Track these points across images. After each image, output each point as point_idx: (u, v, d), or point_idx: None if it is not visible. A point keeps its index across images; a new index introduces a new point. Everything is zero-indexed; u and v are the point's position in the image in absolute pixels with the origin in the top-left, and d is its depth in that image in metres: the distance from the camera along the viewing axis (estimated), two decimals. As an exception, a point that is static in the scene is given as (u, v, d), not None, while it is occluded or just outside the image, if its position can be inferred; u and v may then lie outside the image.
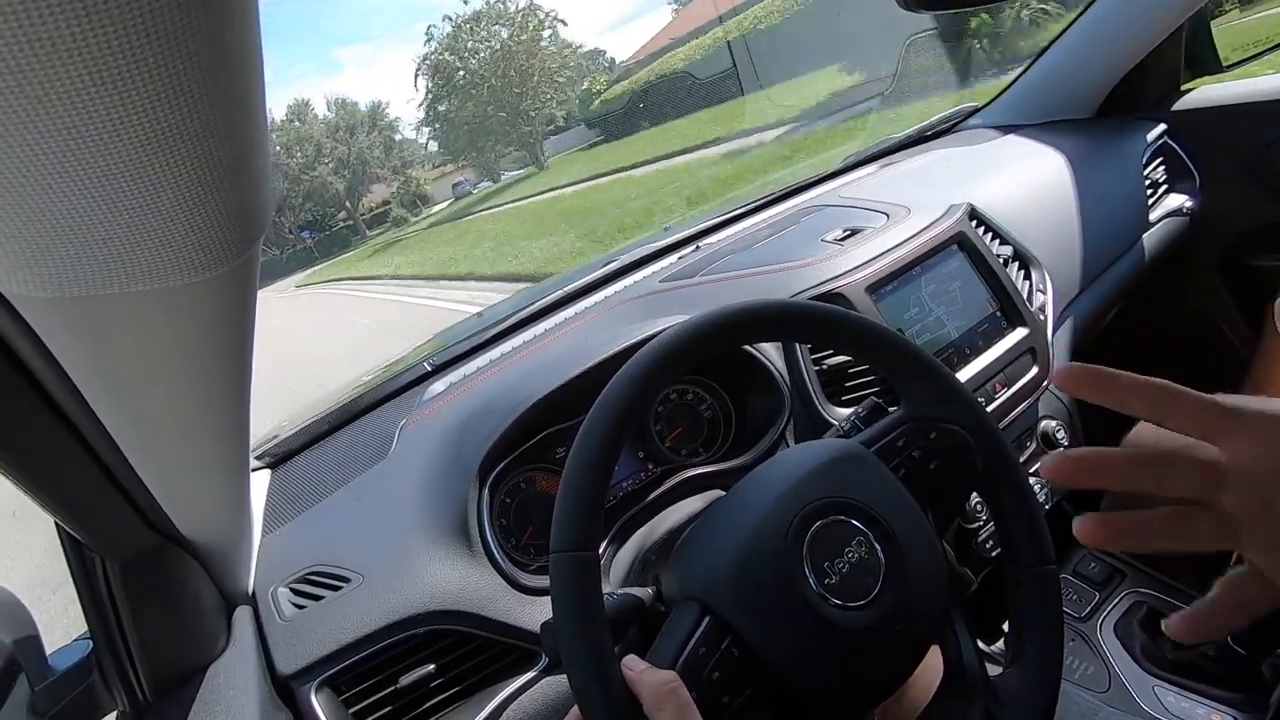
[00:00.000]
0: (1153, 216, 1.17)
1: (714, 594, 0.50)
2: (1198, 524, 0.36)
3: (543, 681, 0.65)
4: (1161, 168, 1.23)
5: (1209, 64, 1.28)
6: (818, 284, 0.88)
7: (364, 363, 1.07)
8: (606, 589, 0.67)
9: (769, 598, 0.49)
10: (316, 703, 0.60)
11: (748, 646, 0.49)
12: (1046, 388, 0.96)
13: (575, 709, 0.47)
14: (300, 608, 0.66)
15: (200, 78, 0.17)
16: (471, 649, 0.66)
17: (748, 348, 0.84)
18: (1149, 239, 1.15)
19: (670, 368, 0.52)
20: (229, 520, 0.60)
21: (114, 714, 0.58)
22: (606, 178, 14.19)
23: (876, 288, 0.89)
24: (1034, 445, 0.96)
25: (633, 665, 0.46)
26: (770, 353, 0.85)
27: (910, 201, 1.04)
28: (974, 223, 1.00)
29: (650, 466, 0.84)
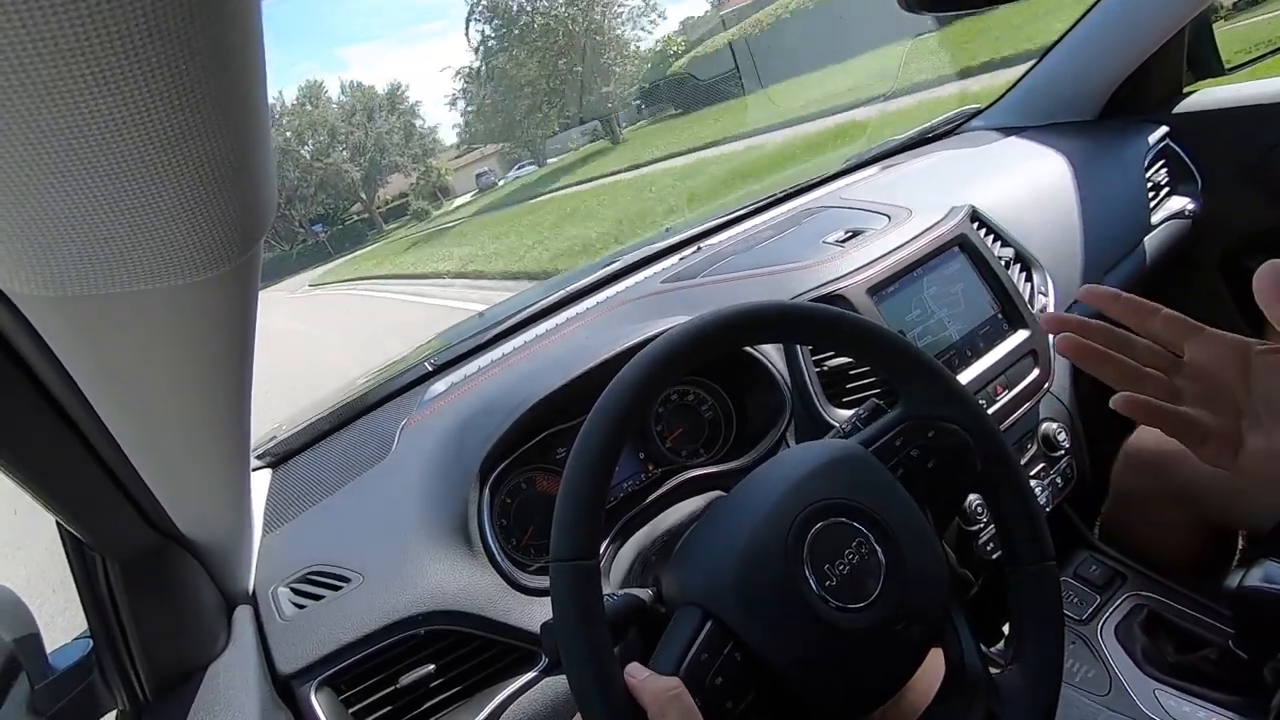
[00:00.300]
0: (1155, 219, 1.17)
1: (715, 599, 0.50)
2: (1150, 380, 0.45)
3: (543, 682, 0.65)
4: (1164, 170, 1.23)
5: (1211, 67, 1.28)
6: (819, 285, 0.88)
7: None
8: (607, 589, 0.67)
9: (770, 601, 0.49)
10: (316, 702, 0.60)
11: (750, 650, 0.49)
12: (1048, 390, 0.96)
13: (579, 716, 0.47)
14: (300, 607, 0.66)
15: (202, 77, 0.17)
16: (471, 649, 0.65)
17: (749, 349, 0.84)
18: (1151, 241, 1.15)
19: (671, 369, 0.52)
20: (230, 520, 0.60)
21: (114, 713, 0.58)
22: (709, 150, 11.21)
23: (878, 289, 0.89)
24: (1035, 447, 0.96)
25: (635, 673, 0.46)
26: (771, 354, 0.85)
27: (912, 203, 1.04)
28: (976, 224, 1.00)
29: (651, 467, 0.84)
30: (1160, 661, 0.83)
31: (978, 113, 1.48)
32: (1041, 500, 0.94)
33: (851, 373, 0.87)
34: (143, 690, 0.56)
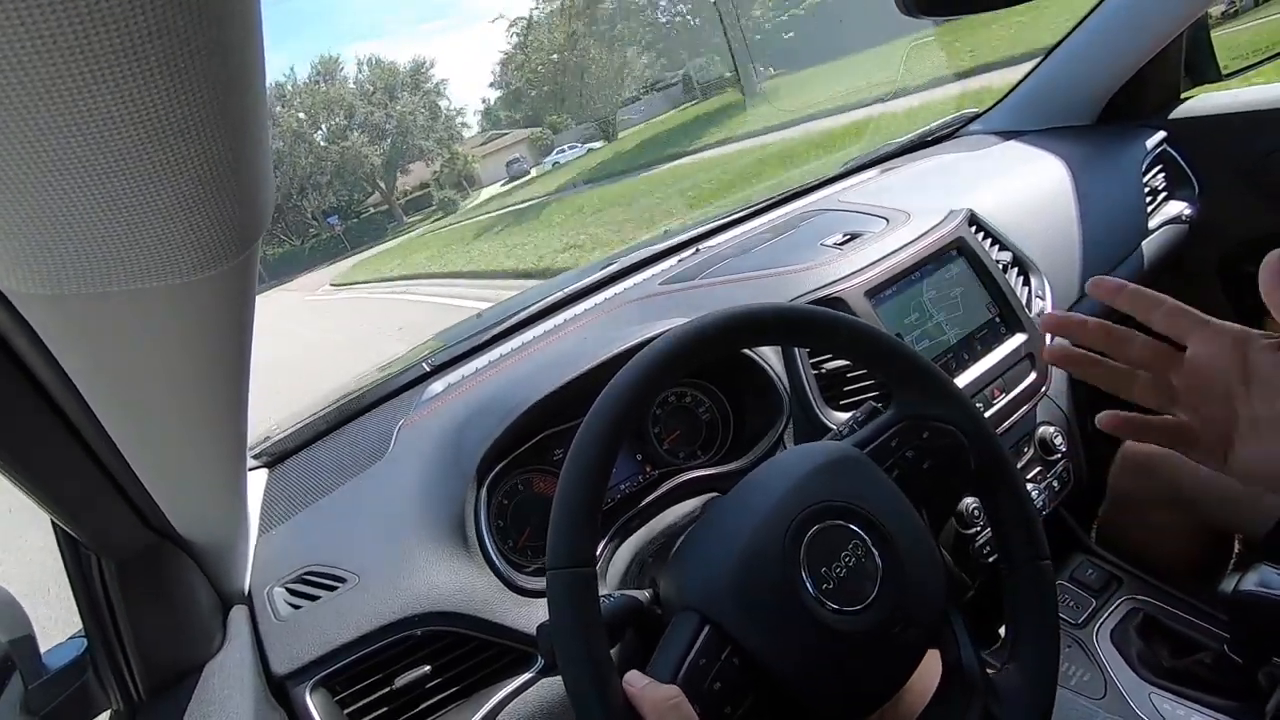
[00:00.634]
0: (1152, 224, 1.18)
1: (713, 603, 0.50)
2: (1142, 383, 0.45)
3: (539, 683, 0.65)
4: (1161, 175, 1.23)
5: (1208, 72, 1.28)
6: (817, 288, 0.88)
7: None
8: (603, 590, 0.67)
9: (768, 605, 0.49)
10: (311, 703, 0.60)
11: (748, 655, 0.49)
12: (1045, 394, 0.96)
13: None
14: (296, 608, 0.66)
15: (202, 75, 0.17)
16: (468, 650, 0.65)
17: (746, 351, 0.84)
18: (1148, 246, 1.15)
19: (669, 371, 0.52)
20: (226, 519, 0.59)
21: (108, 713, 0.57)
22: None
23: (876, 292, 0.90)
24: (1031, 451, 0.96)
25: (634, 681, 0.46)
26: (769, 356, 0.85)
27: (910, 206, 1.04)
28: (974, 228, 1.00)
29: (648, 469, 0.84)
30: (1156, 665, 0.83)
31: (976, 116, 1.48)
32: (1038, 504, 0.94)
33: (849, 375, 0.87)
34: (137, 690, 0.56)
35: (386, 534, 0.71)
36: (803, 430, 0.83)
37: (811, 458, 0.56)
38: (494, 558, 0.70)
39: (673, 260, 1.12)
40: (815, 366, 0.86)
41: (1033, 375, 0.94)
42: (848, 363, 0.86)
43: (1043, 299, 1.00)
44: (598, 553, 0.71)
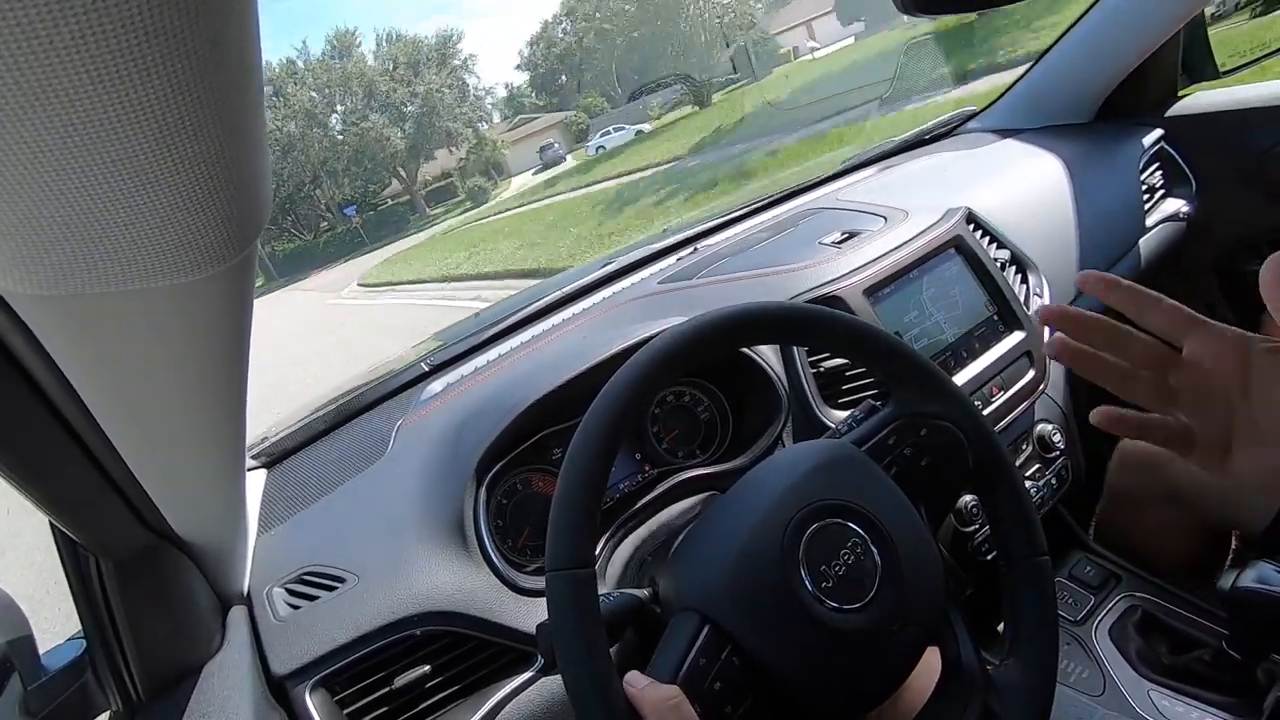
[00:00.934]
0: (1149, 221, 1.18)
1: (712, 603, 0.50)
2: (1141, 382, 0.45)
3: (539, 682, 0.65)
4: (1158, 173, 1.24)
5: (1206, 70, 1.28)
6: (815, 287, 0.89)
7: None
8: (603, 589, 0.67)
9: (767, 604, 0.49)
10: (311, 703, 0.60)
11: (747, 654, 0.49)
12: (1043, 391, 0.96)
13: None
14: (295, 608, 0.66)
15: (199, 75, 0.17)
16: (467, 650, 0.65)
17: (745, 350, 0.84)
18: (1146, 244, 1.15)
19: (667, 371, 0.52)
20: (224, 519, 0.59)
21: (107, 714, 0.57)
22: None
23: (874, 290, 0.90)
24: (1030, 448, 0.96)
25: (635, 682, 0.46)
26: (768, 355, 0.85)
27: (908, 205, 1.04)
28: (971, 226, 1.00)
29: (647, 468, 0.84)
30: (1154, 662, 0.83)
31: (974, 115, 1.48)
32: (1036, 501, 0.94)
33: (847, 374, 0.87)
34: (136, 691, 0.56)
35: (386, 534, 0.71)
36: (801, 429, 0.83)
37: (810, 456, 0.56)
38: (493, 557, 0.70)
39: (671, 259, 1.12)
40: (814, 365, 0.86)
41: (1031, 373, 0.94)
42: (846, 361, 0.86)
43: (1040, 296, 1.00)
44: (597, 552, 0.71)
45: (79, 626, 0.55)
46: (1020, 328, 0.95)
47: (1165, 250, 1.18)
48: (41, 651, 0.55)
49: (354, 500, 0.77)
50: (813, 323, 0.58)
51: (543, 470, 0.80)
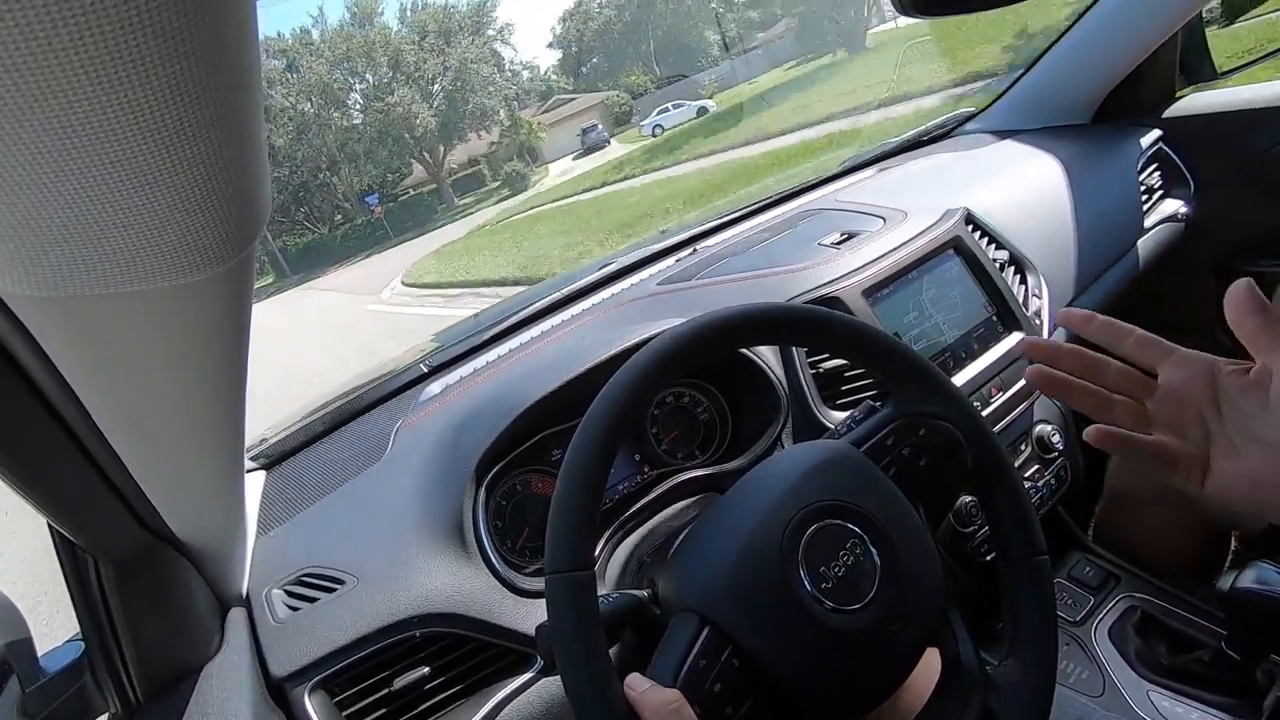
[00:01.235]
0: (1148, 222, 1.18)
1: (712, 604, 0.50)
2: (1120, 406, 0.47)
3: (538, 684, 0.65)
4: (1157, 173, 1.24)
5: (1204, 71, 1.29)
6: (814, 287, 0.89)
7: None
8: (602, 590, 0.67)
9: (766, 605, 0.49)
10: (310, 705, 0.60)
11: (747, 655, 0.49)
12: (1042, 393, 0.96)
13: None
14: (294, 610, 0.66)
15: (198, 76, 0.17)
16: (466, 651, 0.65)
17: (744, 351, 0.84)
18: (1144, 244, 1.16)
19: (666, 372, 0.52)
20: (223, 521, 0.59)
21: (105, 716, 0.57)
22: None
23: (873, 291, 0.90)
24: (1029, 449, 0.96)
25: (635, 685, 0.46)
26: (767, 356, 0.85)
27: (907, 206, 1.04)
28: (970, 227, 1.00)
29: (646, 469, 0.84)
30: (1154, 663, 0.83)
31: (972, 115, 1.49)
32: (1035, 502, 0.94)
33: (846, 374, 0.87)
34: (135, 693, 0.56)
35: (385, 535, 0.71)
36: (801, 429, 0.83)
37: (809, 457, 0.56)
38: (492, 559, 0.70)
39: (670, 260, 1.12)
40: (813, 366, 0.86)
41: (1030, 374, 0.94)
42: (845, 362, 0.86)
43: (1039, 297, 1.01)
44: (596, 553, 0.71)
45: (76, 628, 0.55)
46: (1019, 328, 0.95)
47: (1164, 251, 1.18)
48: (40, 653, 0.55)
49: (353, 502, 0.76)
50: (812, 323, 0.58)
51: (542, 471, 0.80)
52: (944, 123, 1.51)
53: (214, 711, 0.55)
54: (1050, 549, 0.58)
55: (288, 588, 0.68)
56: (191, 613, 0.59)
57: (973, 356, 0.93)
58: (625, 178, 15.13)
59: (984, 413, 0.89)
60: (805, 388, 0.83)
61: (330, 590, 0.67)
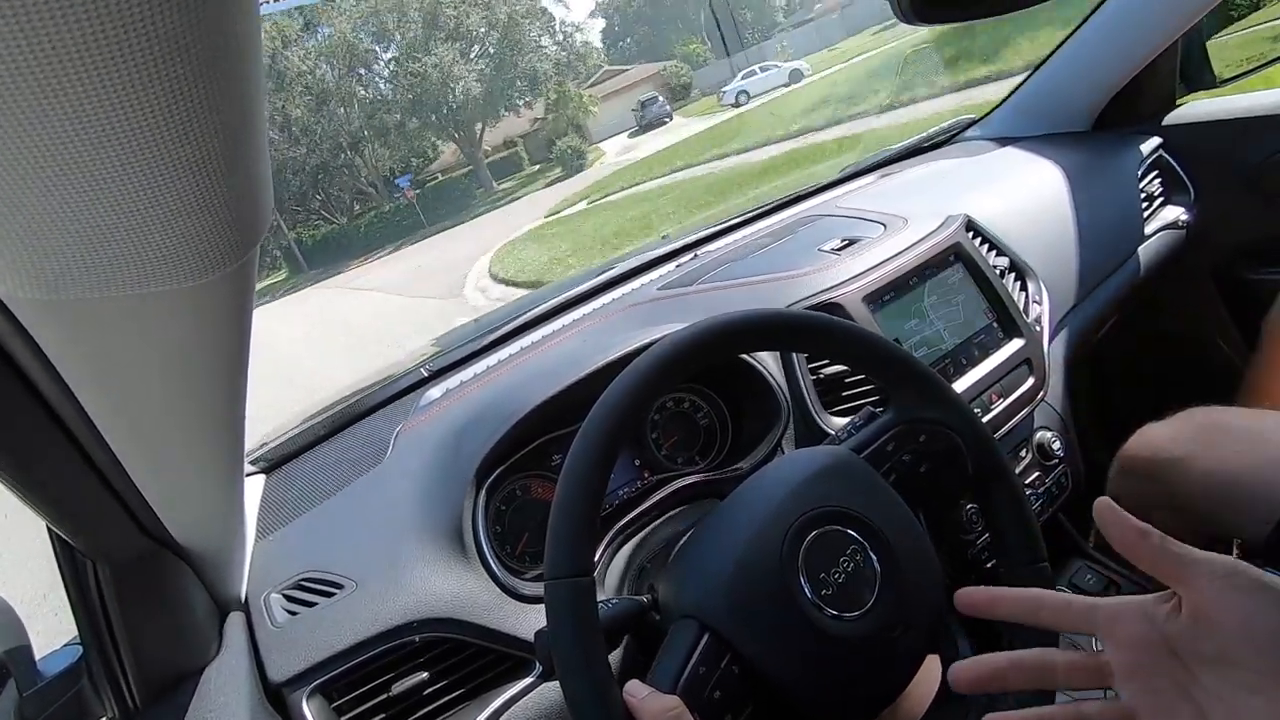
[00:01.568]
0: (1148, 229, 1.18)
1: (711, 611, 0.50)
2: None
3: (537, 689, 0.65)
4: (1157, 181, 1.24)
5: (1203, 79, 1.29)
6: (815, 293, 0.89)
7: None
8: (601, 596, 0.67)
9: (766, 612, 0.49)
10: (308, 710, 0.60)
11: (747, 662, 0.49)
12: (1043, 399, 0.96)
13: None
14: (293, 614, 0.66)
15: (200, 81, 0.17)
16: (465, 656, 0.65)
17: (745, 356, 0.84)
18: (1144, 251, 1.16)
19: (666, 378, 0.52)
20: (222, 525, 0.59)
21: (103, 720, 0.57)
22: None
23: (874, 298, 0.90)
24: (1029, 456, 0.96)
25: (635, 692, 0.46)
26: (767, 361, 0.85)
27: (908, 212, 1.04)
28: (971, 234, 1.00)
29: (646, 474, 0.83)
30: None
31: (973, 122, 1.49)
32: (1036, 509, 0.94)
33: (847, 380, 0.87)
34: (132, 697, 0.56)
35: (384, 540, 0.71)
36: (801, 435, 0.83)
37: (809, 463, 0.56)
38: (492, 564, 0.70)
39: (671, 265, 1.12)
40: (814, 371, 0.86)
41: (1030, 380, 0.94)
42: (846, 368, 0.86)
43: (1040, 304, 1.01)
44: (595, 558, 0.71)
45: (74, 632, 0.54)
46: (1020, 335, 0.95)
47: (1164, 258, 1.18)
48: (38, 657, 0.55)
49: (352, 506, 0.76)
50: (812, 329, 0.58)
51: (542, 476, 0.80)
52: (945, 129, 1.52)
53: (212, 716, 0.55)
54: (1051, 556, 0.58)
55: (286, 592, 0.68)
56: (190, 617, 0.59)
57: (973, 363, 0.93)
58: (727, 154, 11.97)
59: (984, 419, 0.89)
60: (806, 393, 0.83)
61: (329, 595, 0.66)
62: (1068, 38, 1.27)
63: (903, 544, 0.53)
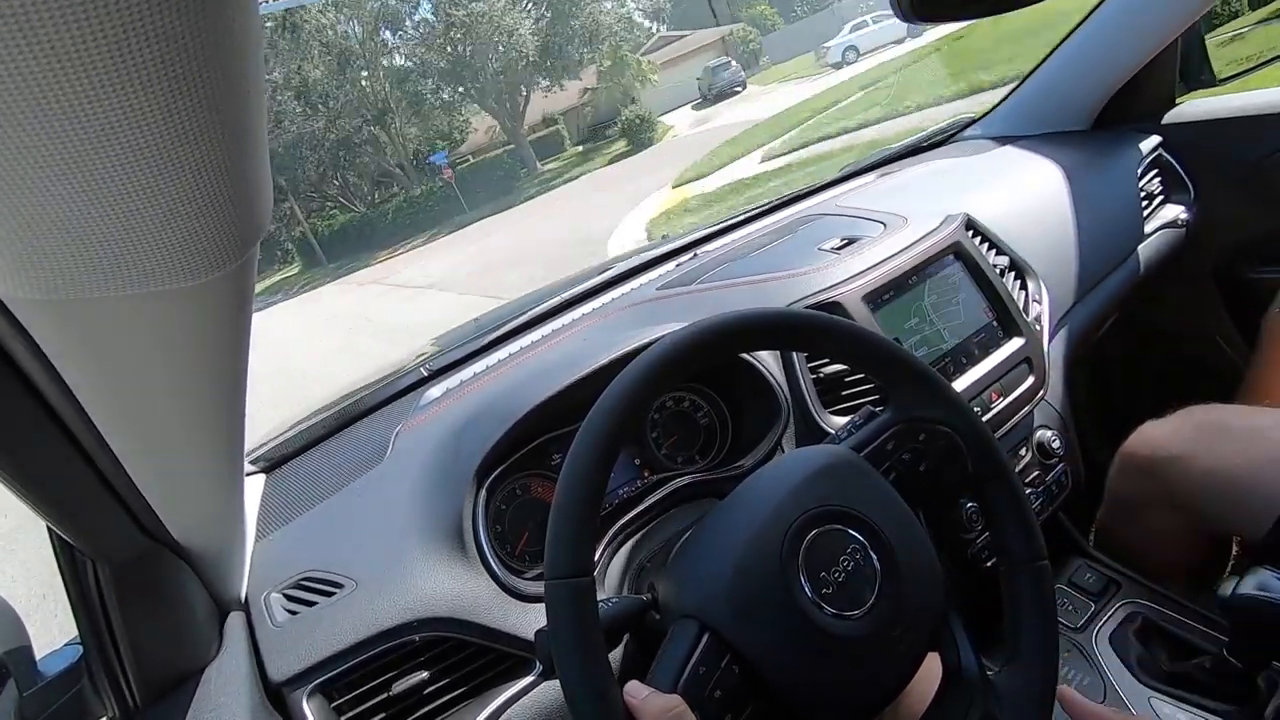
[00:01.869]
0: (1148, 228, 1.18)
1: (711, 611, 0.50)
2: None
3: (538, 688, 0.65)
4: (1157, 179, 1.24)
5: (1203, 77, 1.29)
6: (815, 293, 0.89)
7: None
8: (601, 595, 0.67)
9: (766, 612, 0.49)
10: (308, 709, 0.60)
11: (747, 662, 0.49)
12: (1043, 398, 0.96)
13: None
14: (293, 614, 0.66)
15: (200, 81, 0.17)
16: (466, 656, 0.65)
17: (744, 356, 0.84)
18: (1144, 250, 1.16)
19: (665, 378, 0.52)
20: (222, 525, 0.59)
21: (103, 720, 0.57)
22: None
23: (874, 297, 0.90)
24: (1029, 455, 0.96)
25: (635, 692, 0.46)
26: (767, 361, 0.85)
27: (908, 211, 1.04)
28: (971, 233, 1.00)
29: (646, 473, 0.83)
30: (1155, 669, 0.83)
31: (973, 121, 1.49)
32: (1036, 507, 0.94)
33: (847, 380, 0.87)
34: (133, 697, 0.56)
35: (384, 539, 0.71)
36: (801, 435, 0.83)
37: (809, 462, 0.56)
38: (492, 563, 0.70)
39: (670, 265, 1.12)
40: (813, 371, 0.86)
41: (1030, 379, 0.94)
42: (846, 367, 0.86)
43: (1040, 303, 1.01)
44: (595, 558, 0.71)
45: (74, 632, 0.54)
46: (1020, 334, 0.95)
47: (1164, 257, 1.18)
48: (38, 657, 0.55)
49: (352, 505, 0.76)
50: (812, 329, 0.58)
51: (542, 476, 0.80)
52: (944, 129, 1.52)
53: (212, 715, 0.55)
54: (1051, 555, 0.58)
55: (287, 591, 0.68)
56: (190, 616, 0.59)
57: (973, 362, 0.93)
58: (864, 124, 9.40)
59: (984, 418, 0.89)
60: (806, 393, 0.83)
61: (329, 594, 0.66)
62: (1067, 36, 1.27)
63: (903, 543, 0.53)
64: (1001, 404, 0.91)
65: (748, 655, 0.49)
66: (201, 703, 0.56)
